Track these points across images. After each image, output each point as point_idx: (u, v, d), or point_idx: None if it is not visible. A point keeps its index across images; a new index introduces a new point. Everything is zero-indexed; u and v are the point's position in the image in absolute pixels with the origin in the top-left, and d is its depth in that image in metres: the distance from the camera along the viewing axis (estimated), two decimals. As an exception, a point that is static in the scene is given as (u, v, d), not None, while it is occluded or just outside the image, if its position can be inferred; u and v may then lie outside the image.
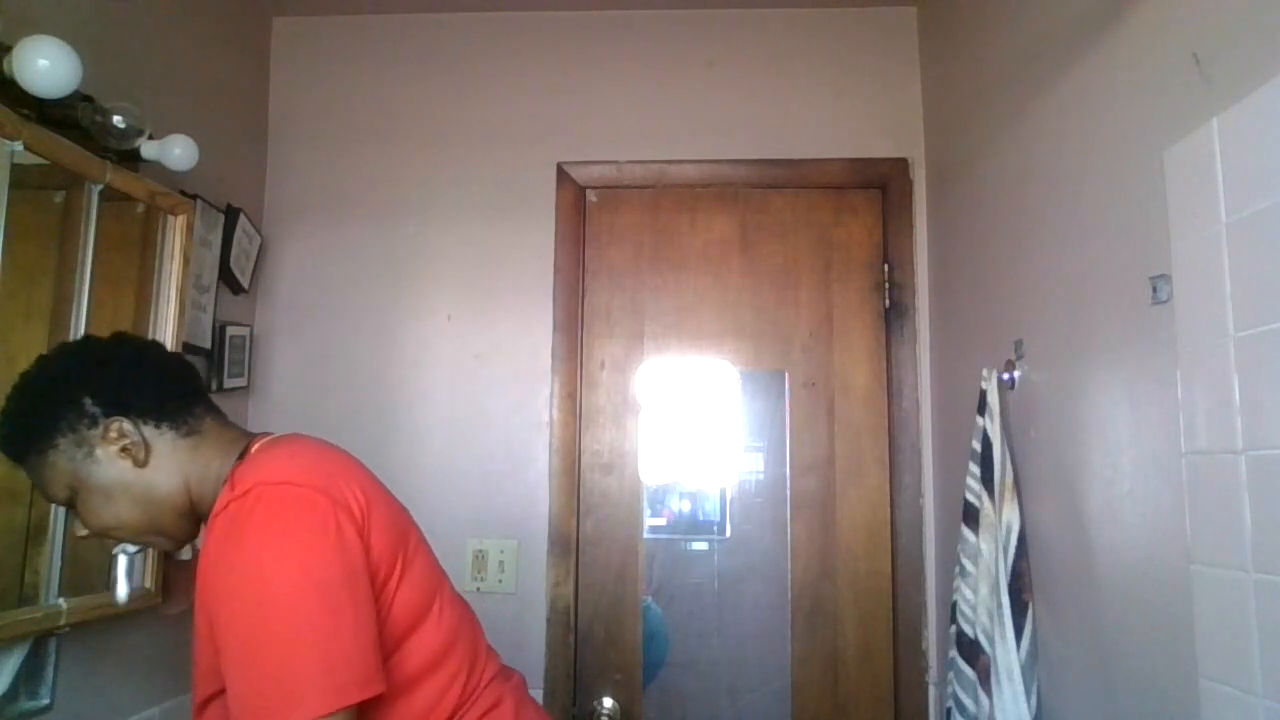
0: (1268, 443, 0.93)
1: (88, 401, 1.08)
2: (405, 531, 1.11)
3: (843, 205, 2.23)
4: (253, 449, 1.11)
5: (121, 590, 1.19)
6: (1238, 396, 0.97)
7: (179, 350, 1.72)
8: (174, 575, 1.77)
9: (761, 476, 2.22)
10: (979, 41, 1.84)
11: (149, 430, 1.09)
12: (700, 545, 2.24)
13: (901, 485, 2.12)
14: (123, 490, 1.08)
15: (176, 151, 1.66)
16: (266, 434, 1.17)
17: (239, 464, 1.09)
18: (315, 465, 1.05)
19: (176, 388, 1.15)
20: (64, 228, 1.50)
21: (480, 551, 2.12)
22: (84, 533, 1.11)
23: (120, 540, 1.14)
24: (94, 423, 1.07)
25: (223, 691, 1.00)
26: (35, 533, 1.44)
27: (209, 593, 0.98)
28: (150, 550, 1.65)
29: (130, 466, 1.08)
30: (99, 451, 1.07)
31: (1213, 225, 1.02)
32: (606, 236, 2.25)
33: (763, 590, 2.17)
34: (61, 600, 1.45)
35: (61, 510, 1.47)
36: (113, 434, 1.07)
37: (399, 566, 1.06)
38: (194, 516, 1.13)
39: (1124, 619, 1.23)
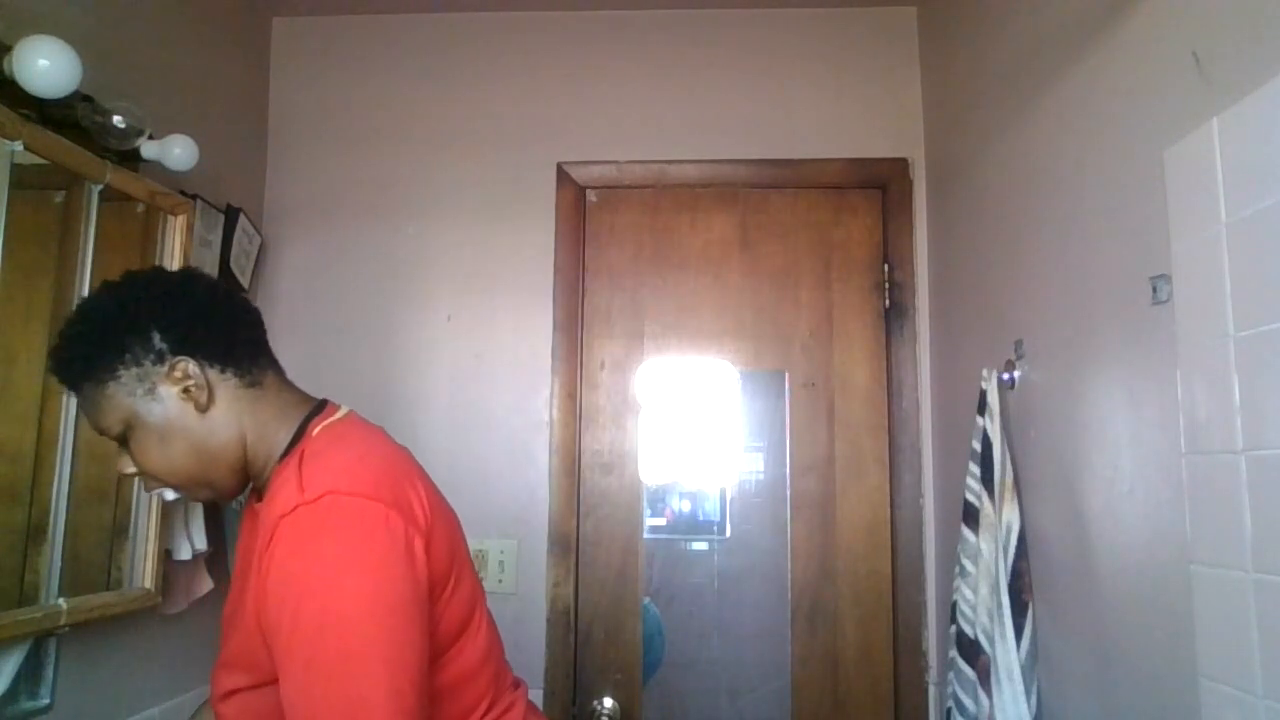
0: (1268, 443, 0.93)
1: (156, 336, 1.03)
2: (457, 543, 1.08)
3: (843, 205, 2.23)
4: (313, 430, 1.07)
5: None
6: (1238, 396, 0.97)
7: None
8: (174, 575, 1.77)
9: (761, 476, 2.22)
10: (979, 41, 1.84)
11: (213, 374, 1.05)
12: (700, 545, 2.24)
13: (901, 485, 2.12)
14: (180, 433, 1.04)
15: (176, 151, 1.66)
16: (325, 404, 1.13)
17: (300, 447, 1.05)
18: (386, 473, 1.01)
19: (245, 334, 1.10)
20: (64, 228, 1.50)
21: (480, 551, 2.12)
22: (130, 470, 1.07)
23: (165, 485, 1.08)
24: (160, 359, 1.03)
25: (254, 686, 0.99)
26: (35, 533, 1.44)
27: (270, 599, 0.93)
28: (151, 549, 1.65)
29: (191, 410, 1.04)
30: (161, 390, 1.03)
31: (1213, 225, 1.02)
32: (606, 236, 2.25)
33: (763, 590, 2.17)
34: (61, 600, 1.45)
35: (62, 510, 1.47)
36: (177, 373, 1.03)
37: (452, 580, 1.04)
38: (244, 473, 1.09)
39: (1124, 619, 1.24)
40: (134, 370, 1.02)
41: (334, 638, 0.90)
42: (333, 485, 0.95)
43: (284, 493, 0.97)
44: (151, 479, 1.08)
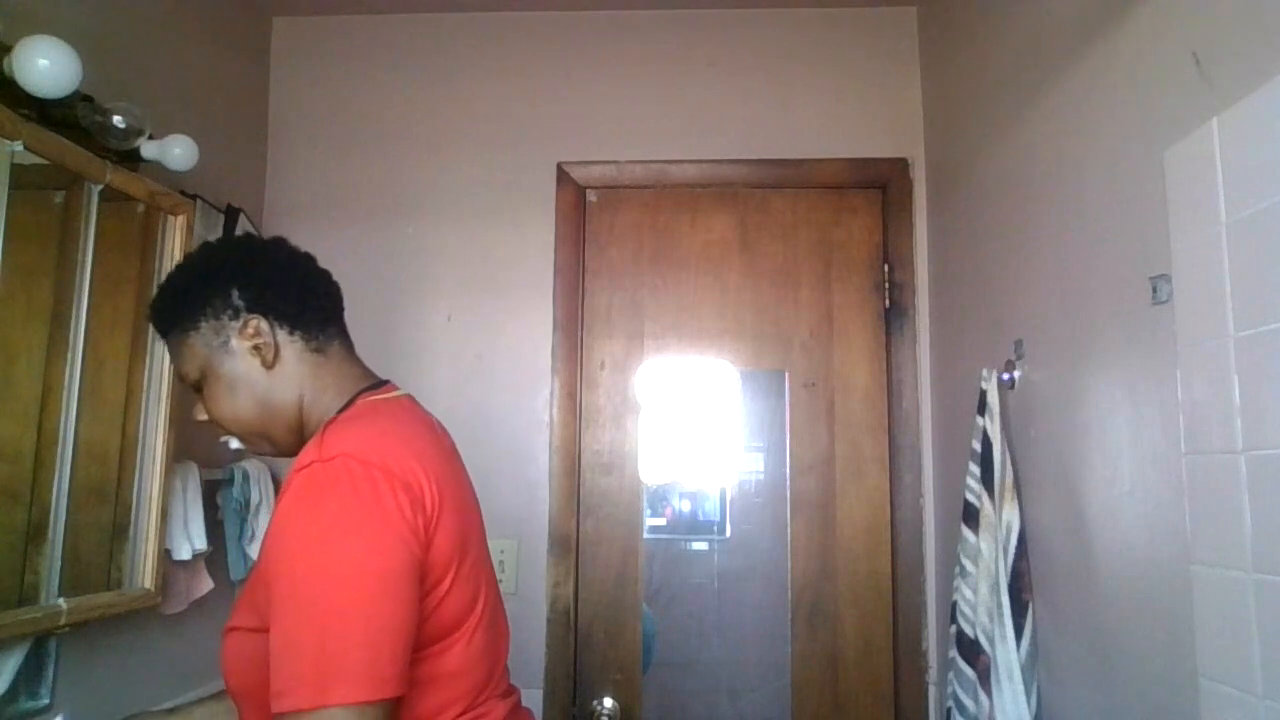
0: (1268, 443, 0.93)
1: (235, 293, 1.11)
2: (468, 546, 1.08)
3: (843, 205, 2.23)
4: (359, 400, 1.13)
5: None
6: (1238, 396, 0.97)
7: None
8: (174, 575, 1.77)
9: (761, 476, 2.22)
10: (979, 41, 1.84)
11: (282, 335, 1.12)
12: (700, 545, 2.24)
13: (901, 485, 2.12)
14: (246, 387, 1.11)
15: (176, 151, 1.66)
16: (384, 384, 1.18)
17: (342, 413, 1.10)
18: (401, 452, 1.02)
19: (317, 301, 1.17)
20: (64, 228, 1.50)
21: (480, 551, 2.12)
22: (203, 417, 1.15)
23: (230, 434, 1.16)
24: (236, 315, 1.11)
25: (250, 629, 1.00)
26: (35, 533, 1.44)
27: (272, 548, 0.97)
28: (151, 549, 1.65)
29: (258, 365, 1.11)
30: (233, 343, 1.11)
31: (1213, 225, 1.02)
32: (606, 236, 2.25)
33: (763, 590, 2.17)
34: (61, 600, 1.45)
35: (62, 510, 1.47)
36: (249, 330, 1.10)
37: (449, 579, 1.04)
38: (301, 433, 1.14)
39: (1124, 619, 1.24)
40: (212, 323, 1.11)
41: (322, 594, 0.92)
42: (348, 449, 0.99)
43: (307, 450, 1.02)
44: (219, 426, 1.15)
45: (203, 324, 1.11)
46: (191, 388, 1.15)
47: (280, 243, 1.20)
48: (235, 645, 1.05)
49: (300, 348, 1.13)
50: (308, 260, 1.20)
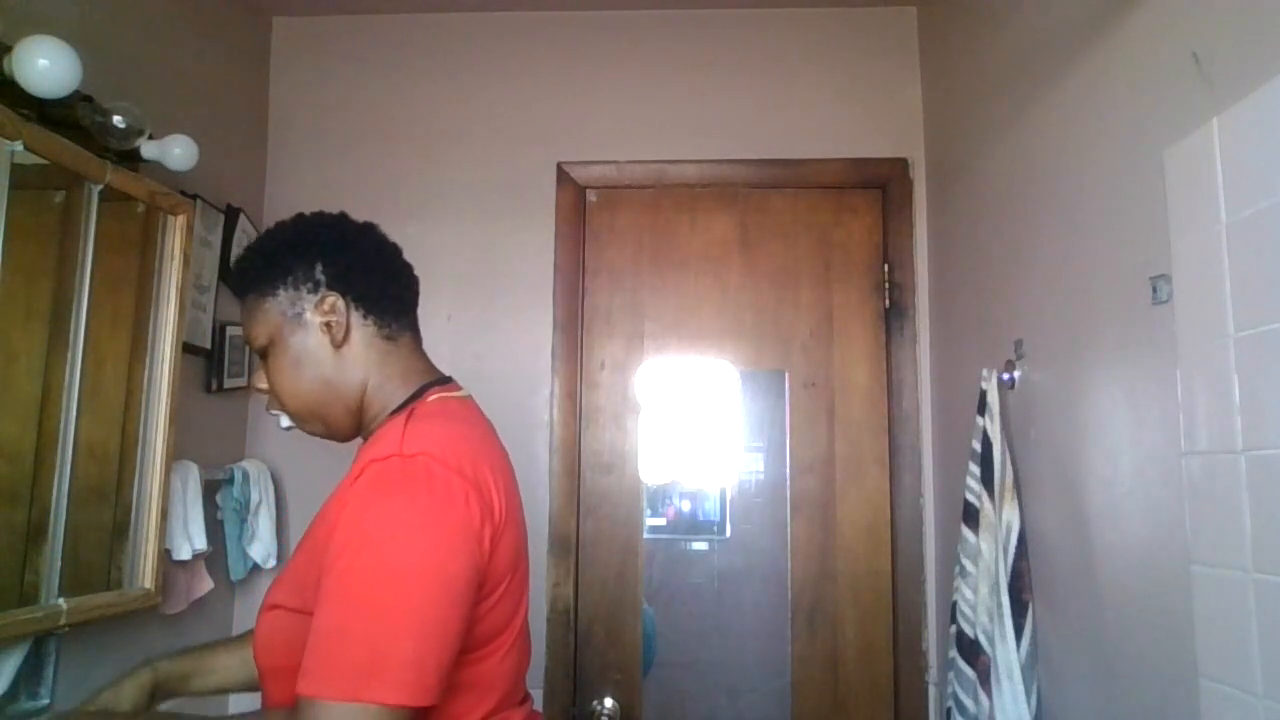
0: (1268, 443, 0.93)
1: (319, 267, 1.12)
2: (520, 558, 1.09)
3: (843, 205, 2.23)
4: (430, 396, 1.13)
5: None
6: (1238, 396, 0.97)
7: (179, 350, 1.72)
8: (174, 575, 1.77)
9: (761, 476, 2.22)
10: (979, 41, 1.84)
11: (356, 317, 1.12)
12: (700, 545, 2.24)
13: (901, 485, 2.12)
14: (312, 363, 1.11)
15: (176, 151, 1.66)
16: (449, 380, 1.18)
17: (413, 406, 1.09)
18: (479, 460, 1.03)
19: (397, 290, 1.18)
20: (64, 228, 1.50)
21: (480, 551, 2.12)
22: (263, 385, 1.15)
23: (284, 409, 1.15)
24: (315, 289, 1.11)
25: (293, 610, 0.99)
26: (35, 533, 1.44)
27: (337, 535, 0.95)
28: (151, 549, 1.65)
29: (327, 344, 1.11)
30: (307, 317, 1.11)
31: (1213, 225, 1.02)
32: (606, 236, 2.25)
33: (763, 590, 2.17)
34: (61, 600, 1.45)
35: (62, 510, 1.47)
36: (325, 306, 1.10)
37: (501, 589, 1.03)
38: (358, 419, 1.14)
39: (1124, 619, 1.24)
40: (290, 293, 1.11)
41: (381, 591, 0.91)
42: (429, 449, 0.98)
43: (385, 440, 1.01)
44: (276, 399, 1.15)
45: (280, 291, 1.11)
46: (257, 354, 1.15)
47: (371, 227, 1.21)
48: (274, 623, 1.04)
49: (372, 333, 1.13)
50: (395, 250, 1.21)
